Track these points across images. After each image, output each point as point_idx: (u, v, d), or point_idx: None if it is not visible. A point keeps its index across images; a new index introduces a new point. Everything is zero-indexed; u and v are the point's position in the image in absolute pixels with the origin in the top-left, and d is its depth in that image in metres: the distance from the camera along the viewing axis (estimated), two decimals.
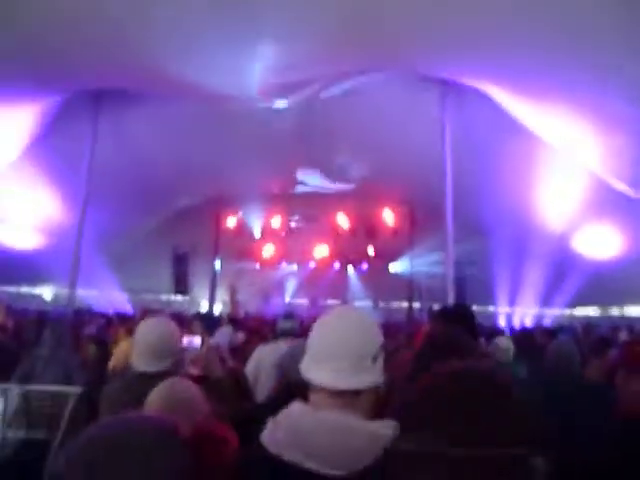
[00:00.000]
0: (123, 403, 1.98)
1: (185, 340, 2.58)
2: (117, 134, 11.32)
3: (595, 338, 5.44)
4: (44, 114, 10.30)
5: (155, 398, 1.51)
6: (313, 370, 1.14)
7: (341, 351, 1.12)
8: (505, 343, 3.91)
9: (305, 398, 1.16)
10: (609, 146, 8.76)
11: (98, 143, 10.57)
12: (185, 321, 5.74)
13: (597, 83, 7.23)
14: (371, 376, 1.14)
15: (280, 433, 1.08)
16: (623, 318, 13.26)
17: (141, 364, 2.04)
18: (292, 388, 1.80)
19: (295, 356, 2.18)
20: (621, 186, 9.62)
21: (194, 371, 2.42)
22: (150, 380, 1.97)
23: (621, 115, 7.63)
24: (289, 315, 3.86)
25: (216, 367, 2.46)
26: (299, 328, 3.85)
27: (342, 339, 1.13)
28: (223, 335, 4.40)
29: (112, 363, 4.36)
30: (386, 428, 1.06)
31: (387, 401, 1.38)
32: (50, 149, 11.13)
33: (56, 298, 16.29)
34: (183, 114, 10.79)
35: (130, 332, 5.19)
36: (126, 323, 7.13)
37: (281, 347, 3.51)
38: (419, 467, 1.08)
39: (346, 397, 1.10)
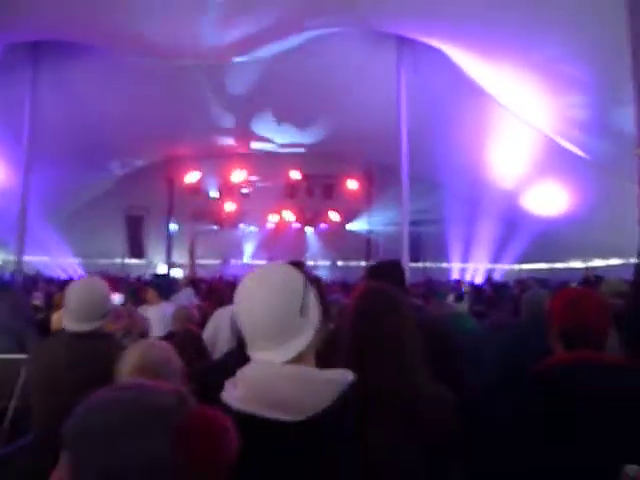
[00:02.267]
0: (53, 364, 2.01)
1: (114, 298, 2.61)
2: (60, 88, 10.67)
3: None
4: None
5: (131, 362, 1.52)
6: (251, 350, 1.15)
7: (265, 329, 1.11)
8: (452, 303, 4.05)
9: None
10: (560, 106, 8.98)
11: (40, 99, 9.97)
12: (140, 287, 5.65)
13: (552, 42, 7.33)
14: (307, 334, 1.14)
15: (239, 390, 1.12)
16: (568, 272, 13.98)
17: (71, 324, 2.04)
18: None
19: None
20: (568, 146, 9.95)
21: (115, 326, 2.46)
22: (79, 340, 2.03)
23: (573, 75, 7.80)
24: None
25: (141, 322, 2.50)
26: None
27: (261, 315, 1.11)
28: (186, 296, 4.39)
29: (52, 327, 4.26)
30: (340, 375, 1.13)
31: (335, 347, 1.45)
32: None
33: (4, 264, 15.68)
34: (132, 67, 10.26)
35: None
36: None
37: None
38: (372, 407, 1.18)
39: (295, 358, 1.13)
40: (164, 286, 4.11)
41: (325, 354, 1.22)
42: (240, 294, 1.18)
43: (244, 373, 1.14)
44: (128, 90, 11.22)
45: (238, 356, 1.63)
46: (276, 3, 7.75)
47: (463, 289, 8.79)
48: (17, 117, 9.90)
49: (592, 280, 7.30)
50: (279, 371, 1.10)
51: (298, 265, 1.86)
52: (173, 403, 0.80)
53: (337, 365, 1.17)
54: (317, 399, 1.08)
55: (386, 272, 2.39)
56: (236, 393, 1.11)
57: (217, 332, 3.05)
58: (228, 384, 1.16)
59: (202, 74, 10.53)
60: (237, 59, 9.86)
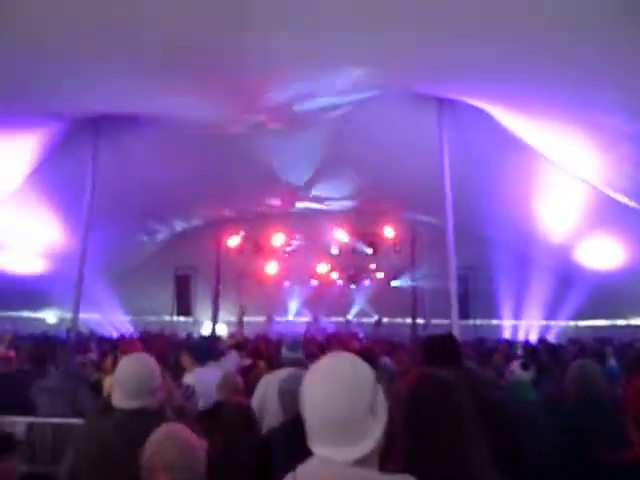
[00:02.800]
0: (105, 444, 2.02)
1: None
2: (118, 155, 11.40)
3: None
4: (46, 141, 10.39)
5: (154, 451, 1.53)
6: (316, 446, 1.10)
7: (331, 427, 1.06)
8: (518, 371, 3.79)
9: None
10: (607, 159, 8.78)
11: (99, 167, 10.63)
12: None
13: (594, 98, 7.28)
14: (374, 434, 1.09)
15: None
16: (630, 329, 13.17)
17: (117, 400, 2.10)
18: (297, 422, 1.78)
19: (292, 392, 2.18)
20: (620, 198, 9.63)
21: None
22: (131, 418, 2.04)
23: (618, 129, 7.66)
24: (294, 345, 3.75)
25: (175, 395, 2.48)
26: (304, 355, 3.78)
27: (327, 413, 1.06)
28: (232, 361, 4.32)
29: (105, 391, 4.30)
30: None
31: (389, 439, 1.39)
32: (52, 175, 11.21)
33: (59, 322, 16.28)
34: (181, 135, 10.87)
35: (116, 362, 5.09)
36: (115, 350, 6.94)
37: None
38: None
39: (357, 460, 1.08)
40: (200, 350, 4.02)
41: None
42: (306, 387, 1.13)
43: (305, 470, 1.09)
44: (177, 156, 11.84)
45: (286, 435, 1.58)
46: (322, 70, 8.08)
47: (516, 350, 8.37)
48: (79, 183, 10.57)
49: None
50: (342, 474, 1.04)
51: (368, 356, 1.80)
52: None
53: (390, 460, 1.12)
54: None
55: (439, 349, 2.34)
56: None
57: (265, 400, 2.97)
58: (289, 477, 1.11)
59: (247, 138, 11.00)
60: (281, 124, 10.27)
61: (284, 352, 3.67)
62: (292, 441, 1.43)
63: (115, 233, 13.09)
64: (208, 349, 4.12)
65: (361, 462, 1.06)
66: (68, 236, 12.16)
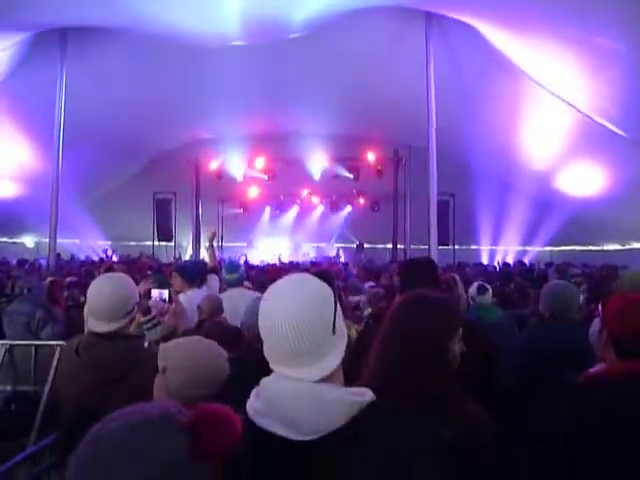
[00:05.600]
0: (75, 364, 1.99)
1: (154, 294, 2.54)
2: (88, 72, 10.76)
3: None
4: (11, 54, 9.73)
5: (179, 363, 1.50)
6: (276, 366, 1.10)
7: (294, 348, 1.06)
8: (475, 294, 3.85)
9: None
10: (597, 83, 8.60)
11: (70, 84, 10.08)
12: (166, 271, 5.67)
13: (587, 17, 6.99)
14: (336, 351, 1.10)
15: (259, 401, 1.10)
16: (604, 254, 13.59)
17: (92, 324, 2.01)
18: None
19: (254, 315, 2.19)
20: (604, 123, 9.55)
21: (168, 321, 2.42)
22: (100, 341, 1.98)
23: (610, 51, 7.44)
24: (231, 267, 3.92)
25: (185, 320, 2.46)
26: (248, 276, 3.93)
27: (292, 337, 1.05)
28: (214, 284, 4.34)
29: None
30: (358, 395, 1.08)
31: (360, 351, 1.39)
32: (19, 92, 10.62)
33: (37, 247, 16.12)
34: (160, 50, 10.23)
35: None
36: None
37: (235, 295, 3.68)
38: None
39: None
40: (190, 272, 4.05)
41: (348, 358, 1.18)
42: (265, 307, 1.11)
43: (265, 384, 1.12)
44: (156, 74, 11.23)
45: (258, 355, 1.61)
46: None
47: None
48: (47, 103, 10.04)
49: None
50: (295, 389, 1.06)
51: (326, 276, 1.78)
52: (172, 409, 0.83)
53: (363, 371, 1.13)
54: (329, 420, 1.04)
55: (419, 273, 2.35)
56: (255, 404, 1.10)
57: (237, 316, 3.01)
58: (253, 392, 1.14)
59: (227, 57, 10.44)
60: (263, 40, 9.73)
61: (223, 274, 3.87)
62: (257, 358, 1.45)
63: (89, 155, 12.65)
64: (198, 272, 4.12)
65: (326, 379, 1.08)
66: (41, 158, 11.74)
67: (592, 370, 1.42)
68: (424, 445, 1.11)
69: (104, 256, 15.30)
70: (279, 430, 1.05)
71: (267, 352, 1.12)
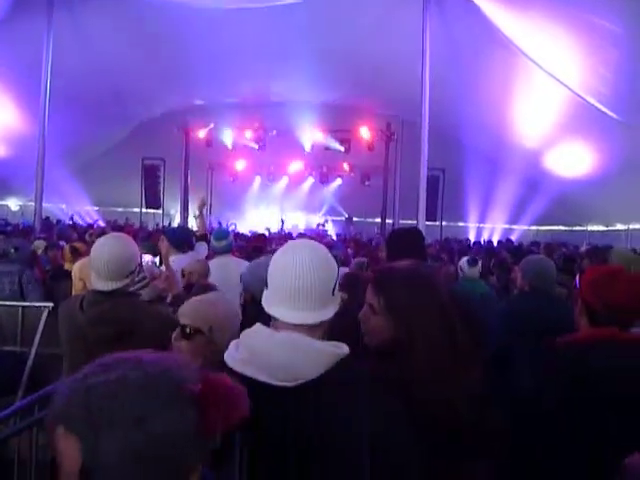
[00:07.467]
0: (80, 320, 2.02)
1: (146, 258, 2.56)
2: (75, 32, 10.48)
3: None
4: None
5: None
6: (276, 307, 1.20)
7: (304, 291, 1.17)
8: (465, 267, 3.96)
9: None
10: (591, 63, 8.58)
11: (56, 47, 9.81)
12: (153, 236, 5.67)
13: None
14: (331, 308, 1.21)
15: (240, 352, 1.18)
16: (588, 235, 13.79)
17: (95, 282, 2.03)
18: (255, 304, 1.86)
19: (255, 274, 2.22)
20: (596, 103, 9.57)
21: (160, 285, 2.44)
22: (105, 298, 2.02)
23: (607, 32, 7.40)
24: (220, 234, 3.94)
25: (177, 284, 2.48)
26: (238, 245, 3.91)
27: (304, 278, 1.17)
28: (202, 250, 4.37)
29: (73, 276, 4.30)
30: (335, 347, 1.17)
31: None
32: (3, 53, 10.31)
33: (22, 211, 15.93)
34: (149, 10, 9.95)
35: (75, 251, 5.06)
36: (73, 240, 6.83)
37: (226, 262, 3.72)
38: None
39: (309, 326, 1.18)
40: (178, 236, 4.06)
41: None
42: (282, 253, 1.23)
43: (247, 336, 1.20)
44: (146, 36, 10.96)
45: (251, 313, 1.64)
46: None
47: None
48: (34, 64, 9.78)
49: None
50: (277, 338, 1.16)
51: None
52: (184, 373, 0.78)
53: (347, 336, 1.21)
54: (309, 367, 1.12)
55: (406, 242, 2.38)
56: (237, 355, 1.18)
57: (225, 283, 3.04)
58: (231, 345, 1.21)
59: (219, 22, 10.20)
60: (256, 4, 9.52)
61: (212, 242, 3.88)
62: (250, 317, 1.53)
63: (77, 118, 12.40)
64: (186, 237, 4.14)
65: (310, 330, 1.18)
66: (26, 119, 11.49)
67: (564, 337, 1.48)
68: (393, 407, 1.15)
69: (91, 222, 15.17)
70: (262, 377, 1.11)
71: (270, 295, 1.21)
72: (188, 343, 1.50)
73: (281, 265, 1.21)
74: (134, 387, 0.74)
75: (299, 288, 1.17)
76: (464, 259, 4.00)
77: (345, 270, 4.90)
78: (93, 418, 0.72)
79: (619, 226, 13.22)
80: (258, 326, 1.20)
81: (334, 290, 1.22)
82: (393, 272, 1.47)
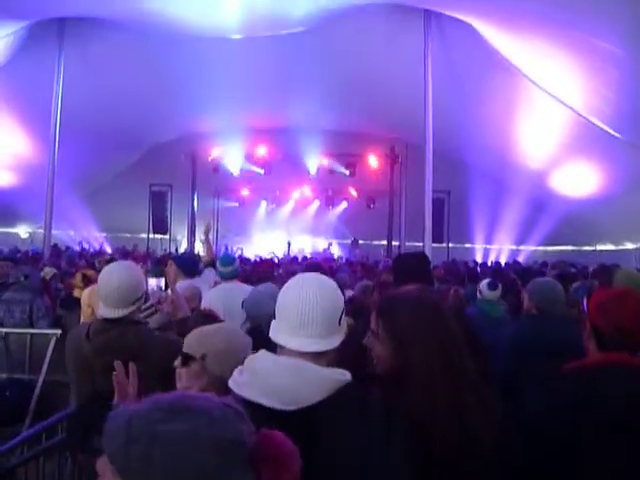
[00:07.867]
0: (84, 352, 2.02)
1: (151, 282, 2.57)
2: (86, 63, 10.73)
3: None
4: (7, 46, 9.68)
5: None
6: (282, 335, 1.24)
7: (310, 321, 1.21)
8: (485, 290, 3.90)
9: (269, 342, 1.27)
10: (594, 84, 8.66)
11: (67, 75, 10.04)
12: (162, 262, 5.70)
13: (586, 19, 7.03)
14: (338, 337, 1.25)
15: (244, 376, 1.21)
16: (595, 255, 13.68)
17: (102, 310, 2.03)
18: (257, 333, 1.85)
19: (258, 302, 2.22)
20: (599, 124, 9.61)
21: (165, 309, 2.44)
22: (112, 326, 2.02)
23: (608, 53, 7.48)
24: (226, 260, 3.89)
25: (183, 308, 2.49)
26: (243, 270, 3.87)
27: (310, 312, 1.21)
28: (212, 276, 4.35)
29: (82, 303, 4.31)
30: (339, 374, 1.19)
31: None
32: (17, 82, 10.57)
33: (32, 238, 16.06)
34: (158, 42, 10.19)
35: (85, 278, 5.06)
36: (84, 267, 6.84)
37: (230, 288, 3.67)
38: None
39: (313, 354, 1.21)
40: (186, 262, 4.08)
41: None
42: (292, 284, 1.28)
43: (251, 360, 1.23)
44: (154, 65, 11.19)
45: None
46: None
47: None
48: (45, 93, 10.00)
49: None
50: (280, 362, 1.19)
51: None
52: (245, 429, 0.73)
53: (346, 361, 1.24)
54: (311, 392, 1.14)
55: (412, 267, 2.38)
56: (239, 379, 1.21)
57: (230, 310, 3.01)
58: (236, 371, 1.24)
59: (227, 51, 10.42)
60: (263, 34, 9.72)
61: (218, 267, 3.85)
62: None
63: (86, 146, 12.60)
64: (193, 263, 4.16)
65: (315, 357, 1.20)
66: (37, 148, 11.69)
67: (573, 362, 1.46)
68: (393, 430, 1.16)
69: (99, 248, 15.26)
70: (264, 401, 1.13)
71: (277, 325, 1.25)
72: (183, 370, 1.53)
73: (289, 298, 1.25)
74: (204, 447, 0.67)
75: (306, 319, 1.21)
76: (484, 282, 3.94)
77: (350, 293, 4.88)
78: (151, 471, 0.66)
79: (629, 245, 13.13)
80: (263, 352, 1.24)
81: (340, 320, 1.26)
82: (397, 300, 1.48)
